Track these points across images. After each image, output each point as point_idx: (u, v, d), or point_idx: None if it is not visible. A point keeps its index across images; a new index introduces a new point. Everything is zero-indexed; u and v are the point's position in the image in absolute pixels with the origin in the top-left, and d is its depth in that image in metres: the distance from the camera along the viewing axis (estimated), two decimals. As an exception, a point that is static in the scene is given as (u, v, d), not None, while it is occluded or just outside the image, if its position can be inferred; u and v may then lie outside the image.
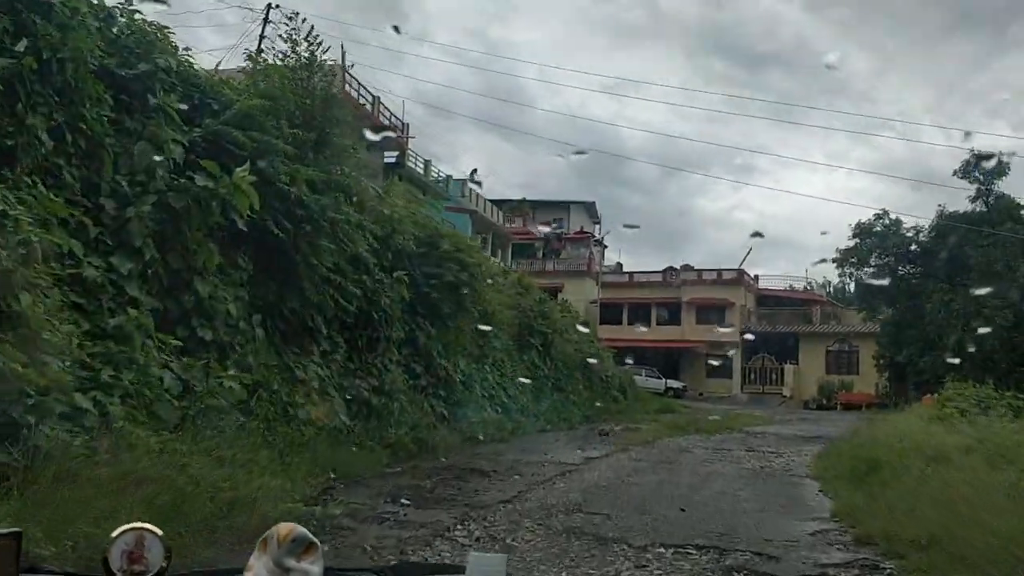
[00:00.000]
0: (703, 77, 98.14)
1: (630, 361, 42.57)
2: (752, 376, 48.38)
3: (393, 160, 37.96)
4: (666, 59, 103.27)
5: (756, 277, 51.82)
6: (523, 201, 58.36)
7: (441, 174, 41.89)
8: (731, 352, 47.11)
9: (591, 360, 26.69)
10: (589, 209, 63.54)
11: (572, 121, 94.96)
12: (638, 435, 19.80)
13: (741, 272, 48.78)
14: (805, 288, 52.31)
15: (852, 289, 27.40)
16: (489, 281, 18.30)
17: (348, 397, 11.49)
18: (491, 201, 55.36)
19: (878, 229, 24.98)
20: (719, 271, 49.11)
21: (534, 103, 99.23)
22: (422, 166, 39.42)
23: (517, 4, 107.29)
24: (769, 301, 50.74)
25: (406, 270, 13.25)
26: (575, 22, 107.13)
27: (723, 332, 46.60)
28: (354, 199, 12.58)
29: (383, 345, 12.64)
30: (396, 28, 40.39)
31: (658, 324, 50.02)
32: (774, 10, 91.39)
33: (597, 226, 66.88)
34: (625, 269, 56.34)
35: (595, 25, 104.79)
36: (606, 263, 59.90)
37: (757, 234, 63.28)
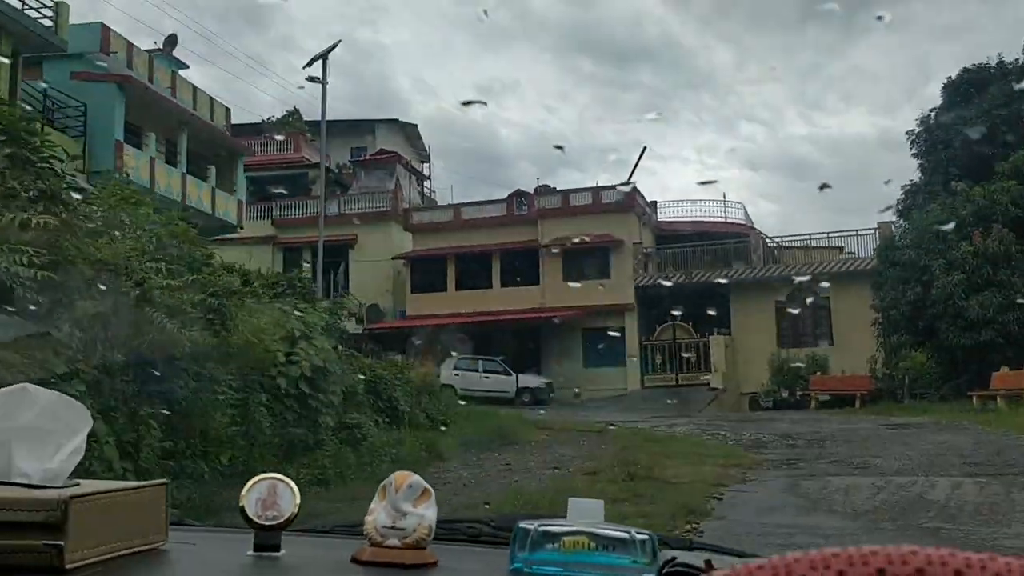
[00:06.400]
0: (573, 77, 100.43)
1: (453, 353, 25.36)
2: (658, 359, 29.62)
3: None
4: (535, 60, 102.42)
5: (654, 204, 33.17)
6: (293, 114, 37.86)
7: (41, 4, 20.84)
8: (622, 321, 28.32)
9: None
10: (408, 133, 43.43)
11: (449, 125, 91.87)
12: None
13: (631, 190, 29.88)
14: (727, 220, 33.75)
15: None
16: None
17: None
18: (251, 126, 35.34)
19: None
20: (595, 190, 30.11)
21: (409, 108, 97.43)
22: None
23: (383, 6, 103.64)
24: (676, 239, 31.93)
25: None
26: (443, 25, 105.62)
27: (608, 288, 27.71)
28: None
29: None
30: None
31: (503, 285, 30.85)
32: (637, 8, 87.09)
33: (425, 165, 47.09)
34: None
35: (462, 27, 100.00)
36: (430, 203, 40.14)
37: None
